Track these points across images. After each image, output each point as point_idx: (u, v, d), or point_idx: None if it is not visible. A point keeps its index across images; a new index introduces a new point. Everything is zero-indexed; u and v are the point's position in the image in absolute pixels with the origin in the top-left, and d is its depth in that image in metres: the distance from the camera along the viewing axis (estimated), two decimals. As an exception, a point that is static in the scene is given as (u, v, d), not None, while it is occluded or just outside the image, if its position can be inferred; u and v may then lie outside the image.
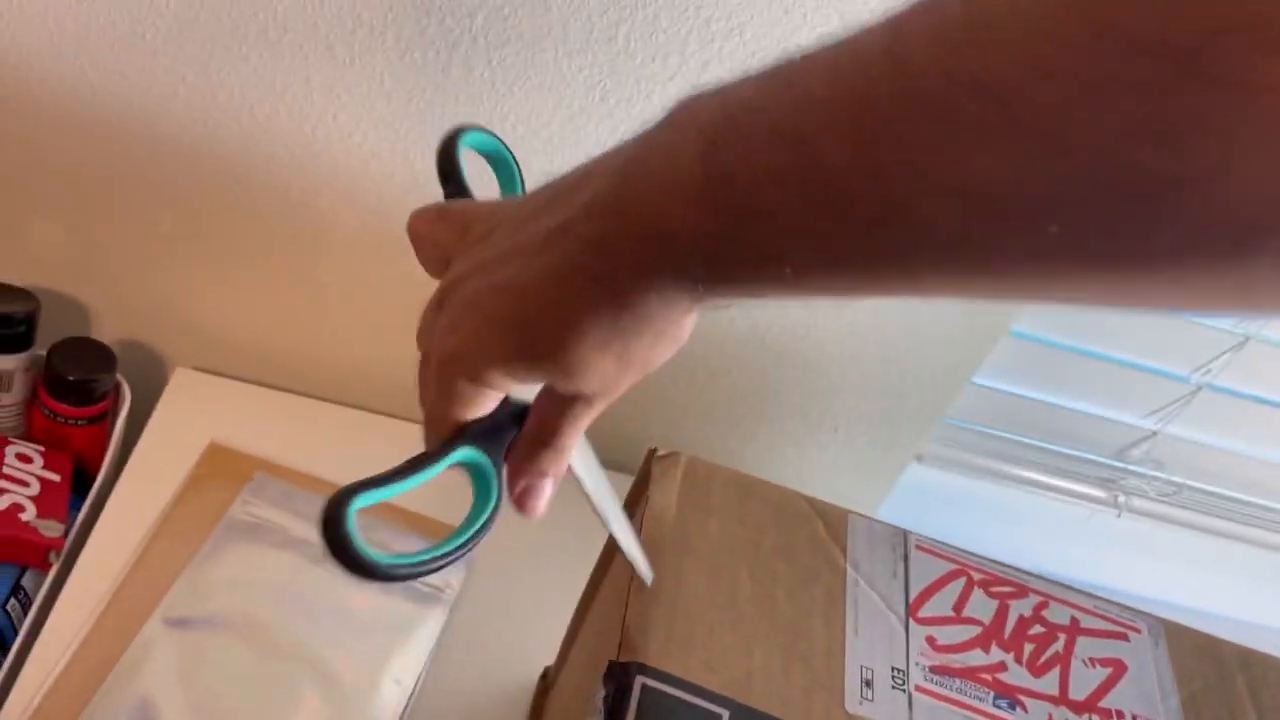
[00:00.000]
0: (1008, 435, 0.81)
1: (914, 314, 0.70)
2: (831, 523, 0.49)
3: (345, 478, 0.78)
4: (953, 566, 0.49)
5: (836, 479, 0.81)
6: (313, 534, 0.66)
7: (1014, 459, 0.81)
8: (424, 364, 0.36)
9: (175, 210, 0.68)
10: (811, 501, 0.50)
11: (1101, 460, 0.81)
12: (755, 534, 0.47)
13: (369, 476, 0.34)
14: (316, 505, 0.71)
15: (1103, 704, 0.46)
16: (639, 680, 0.40)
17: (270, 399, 0.75)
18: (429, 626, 0.64)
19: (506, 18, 0.58)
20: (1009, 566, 0.51)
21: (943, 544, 0.51)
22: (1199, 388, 0.75)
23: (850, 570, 0.47)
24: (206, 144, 0.64)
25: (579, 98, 0.62)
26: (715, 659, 0.42)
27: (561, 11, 0.58)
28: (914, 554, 0.49)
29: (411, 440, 0.81)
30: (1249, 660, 0.51)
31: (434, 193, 0.66)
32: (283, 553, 0.65)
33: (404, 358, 0.74)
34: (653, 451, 0.49)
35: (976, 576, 0.50)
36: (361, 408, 0.76)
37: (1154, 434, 0.78)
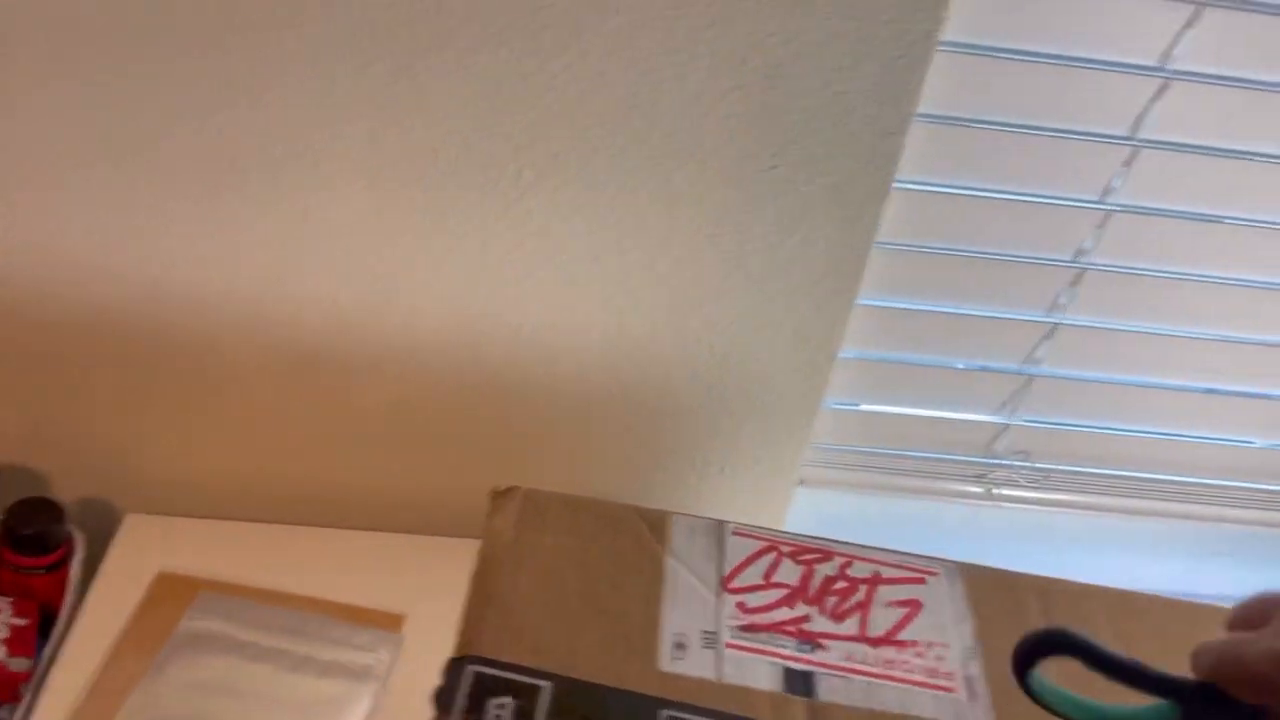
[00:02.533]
0: (882, 451, 0.89)
1: (756, 354, 0.79)
2: (655, 524, 0.57)
3: (284, 584, 0.86)
4: (764, 544, 0.57)
5: (736, 513, 0.89)
6: (255, 636, 0.74)
7: (892, 470, 0.89)
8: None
9: (108, 381, 0.78)
10: (640, 510, 0.58)
11: (970, 459, 0.88)
12: (585, 542, 0.55)
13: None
14: (259, 612, 0.79)
15: (899, 637, 0.54)
16: (470, 669, 0.48)
17: (212, 528, 0.83)
18: (363, 701, 0.72)
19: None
20: (818, 538, 0.59)
21: (759, 527, 0.59)
22: (1029, 378, 0.83)
23: (669, 559, 0.55)
24: (117, 322, 0.74)
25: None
26: (542, 644, 0.49)
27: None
28: (730, 538, 0.57)
29: (339, 542, 0.88)
30: (1047, 588, 0.58)
31: (306, 311, 0.75)
32: (228, 656, 0.72)
33: (315, 468, 0.84)
34: (494, 490, 0.58)
35: (786, 549, 0.57)
36: (292, 522, 0.85)
37: (1006, 426, 0.86)
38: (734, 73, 0.67)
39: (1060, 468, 0.88)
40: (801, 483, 0.88)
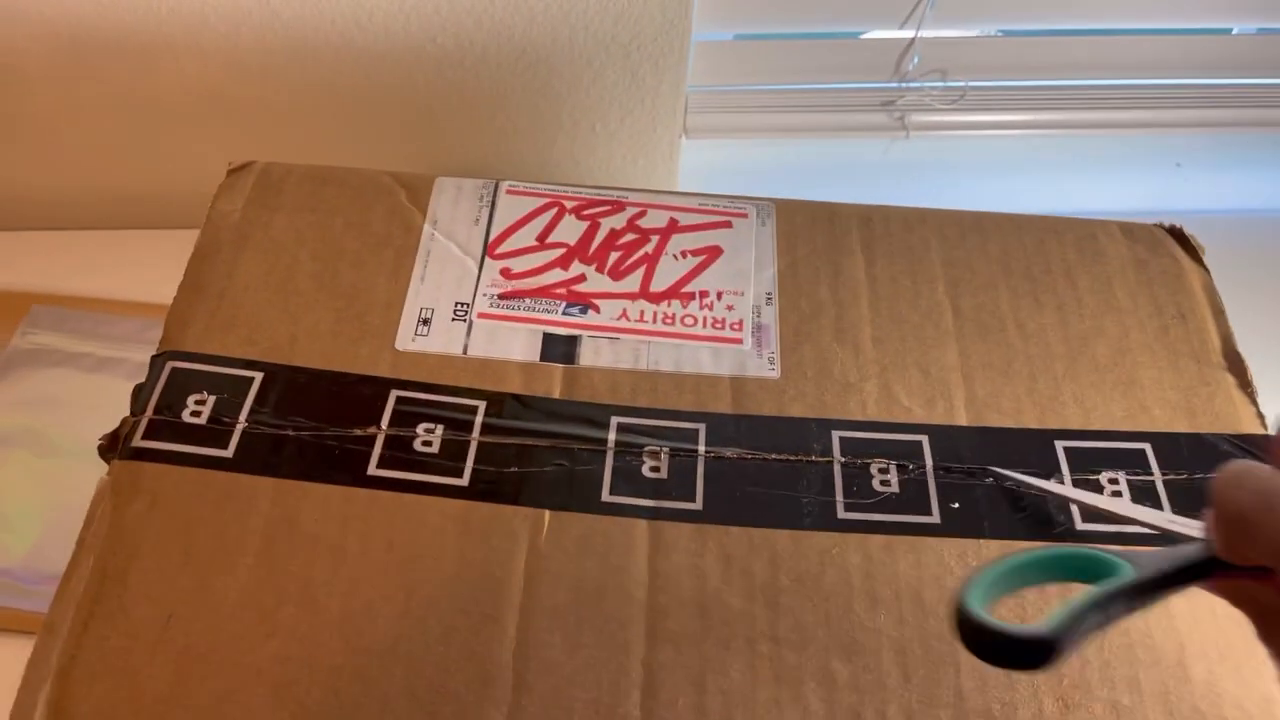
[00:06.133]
0: (774, 87, 0.78)
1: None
2: (416, 190, 0.50)
3: (117, 291, 0.80)
4: (544, 201, 0.50)
5: (620, 173, 0.81)
6: (88, 346, 0.71)
7: (791, 108, 0.79)
8: None
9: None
10: (398, 176, 0.50)
11: (876, 86, 0.78)
12: (325, 218, 0.48)
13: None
14: (93, 321, 0.74)
15: (686, 289, 0.47)
16: (168, 365, 0.42)
17: (36, 240, 0.78)
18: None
19: None
20: (615, 188, 0.51)
21: (541, 183, 0.51)
22: (933, -23, 0.70)
23: (428, 228, 0.48)
24: None
25: None
26: (257, 333, 0.44)
27: None
28: (502, 198, 0.50)
29: (170, 244, 0.83)
30: (869, 216, 0.50)
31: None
32: (60, 369, 0.69)
33: (133, 168, 0.77)
34: (229, 166, 0.50)
35: (570, 205, 0.50)
36: (119, 227, 0.79)
37: (913, 41, 0.74)
38: None
39: (979, 84, 0.77)
40: (688, 133, 0.79)
